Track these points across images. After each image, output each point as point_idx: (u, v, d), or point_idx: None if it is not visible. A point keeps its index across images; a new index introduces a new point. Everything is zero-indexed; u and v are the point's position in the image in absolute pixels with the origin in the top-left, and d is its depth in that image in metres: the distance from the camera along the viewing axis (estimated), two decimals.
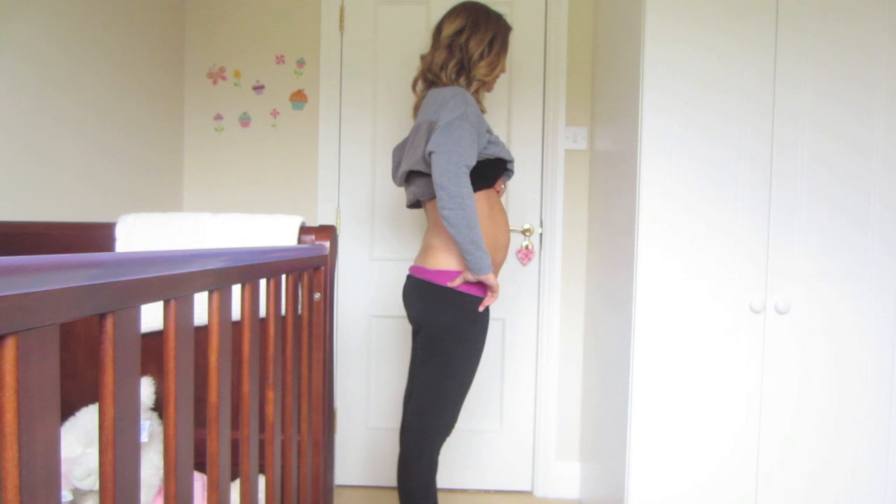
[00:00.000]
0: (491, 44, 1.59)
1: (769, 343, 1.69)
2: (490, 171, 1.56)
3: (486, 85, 1.64)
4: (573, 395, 2.36)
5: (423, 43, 1.93)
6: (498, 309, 2.33)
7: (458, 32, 1.58)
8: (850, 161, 1.67)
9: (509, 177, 1.68)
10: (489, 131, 1.55)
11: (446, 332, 1.50)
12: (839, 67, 1.66)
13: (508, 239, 1.63)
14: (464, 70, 1.58)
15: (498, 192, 1.64)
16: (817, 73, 1.67)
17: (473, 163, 1.45)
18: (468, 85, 1.58)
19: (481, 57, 1.58)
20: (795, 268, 1.68)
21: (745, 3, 1.66)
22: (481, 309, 1.51)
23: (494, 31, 1.60)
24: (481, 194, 1.54)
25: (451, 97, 1.47)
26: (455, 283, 1.49)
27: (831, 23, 1.66)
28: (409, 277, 1.60)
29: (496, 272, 1.60)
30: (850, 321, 1.69)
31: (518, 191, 2.35)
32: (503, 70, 1.65)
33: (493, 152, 1.54)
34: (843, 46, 1.66)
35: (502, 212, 1.62)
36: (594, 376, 2.17)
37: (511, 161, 1.62)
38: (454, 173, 1.39)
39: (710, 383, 1.70)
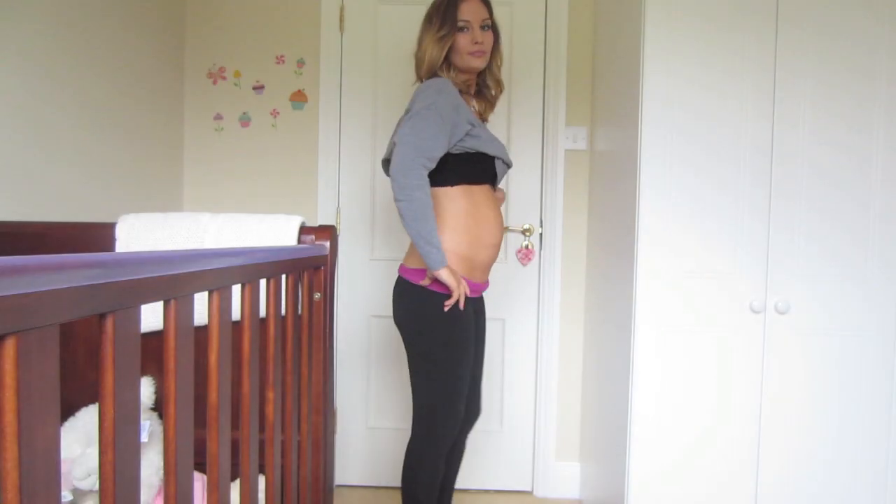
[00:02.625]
0: (427, 25, 1.54)
1: (769, 343, 1.69)
2: (469, 166, 1.49)
3: (467, 58, 1.52)
4: (573, 395, 2.36)
5: None
6: (498, 309, 2.33)
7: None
8: (850, 160, 1.67)
9: (503, 172, 1.60)
10: (472, 123, 1.48)
11: (420, 332, 1.49)
12: (839, 69, 1.66)
13: (497, 238, 1.55)
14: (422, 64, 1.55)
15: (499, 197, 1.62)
16: (818, 74, 1.66)
17: (438, 154, 1.41)
18: (447, 74, 1.53)
19: (421, 43, 1.55)
20: (795, 267, 1.68)
21: (745, 2, 1.66)
22: (446, 308, 1.44)
23: (426, 15, 1.56)
24: (460, 190, 1.49)
25: (426, 87, 1.45)
26: (426, 282, 1.46)
27: (833, 23, 1.66)
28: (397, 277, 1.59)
29: (484, 272, 1.57)
30: (850, 321, 1.69)
31: (518, 191, 2.35)
32: (477, 42, 1.51)
33: (471, 145, 1.47)
34: (844, 48, 1.66)
35: (491, 210, 1.54)
36: (594, 376, 2.17)
37: (496, 157, 1.54)
38: (408, 165, 1.37)
39: (711, 383, 1.70)
